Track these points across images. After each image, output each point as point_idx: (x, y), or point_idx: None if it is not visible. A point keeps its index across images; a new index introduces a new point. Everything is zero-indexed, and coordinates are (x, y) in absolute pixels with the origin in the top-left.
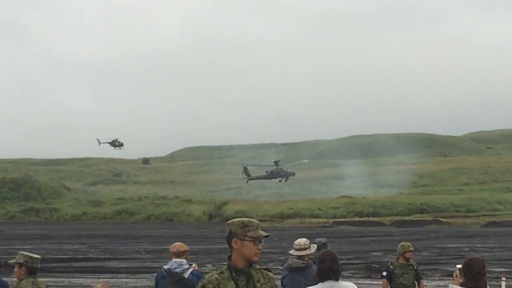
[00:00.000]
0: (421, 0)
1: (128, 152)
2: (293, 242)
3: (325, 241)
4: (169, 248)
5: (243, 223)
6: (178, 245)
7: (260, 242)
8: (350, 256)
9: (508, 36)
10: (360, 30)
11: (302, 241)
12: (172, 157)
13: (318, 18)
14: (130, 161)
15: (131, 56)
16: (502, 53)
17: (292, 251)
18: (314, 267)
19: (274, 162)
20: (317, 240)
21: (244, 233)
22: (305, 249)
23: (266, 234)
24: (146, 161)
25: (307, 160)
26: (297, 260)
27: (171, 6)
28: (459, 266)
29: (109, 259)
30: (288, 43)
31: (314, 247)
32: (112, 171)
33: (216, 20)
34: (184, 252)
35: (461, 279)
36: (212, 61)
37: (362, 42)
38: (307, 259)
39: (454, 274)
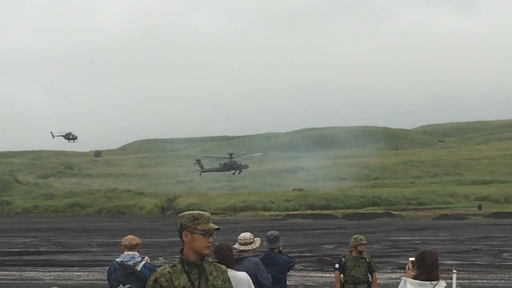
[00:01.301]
0: None
1: (80, 145)
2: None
3: (277, 234)
4: (121, 241)
5: (193, 216)
6: (130, 238)
7: (211, 235)
8: (303, 249)
9: (455, 31)
10: (310, 24)
11: (246, 235)
12: (124, 149)
13: (267, 11)
14: (82, 154)
15: (79, 49)
16: (451, 48)
17: (236, 245)
18: (252, 258)
19: (230, 154)
20: (269, 233)
21: (194, 226)
22: (249, 243)
23: (217, 227)
24: (98, 153)
25: (260, 153)
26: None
27: None
28: (411, 259)
29: (61, 252)
30: (236, 36)
31: (258, 241)
32: (64, 164)
33: (162, 13)
34: (136, 245)
35: (413, 271)
36: (161, 54)
37: (312, 35)
38: (251, 253)
39: (407, 267)
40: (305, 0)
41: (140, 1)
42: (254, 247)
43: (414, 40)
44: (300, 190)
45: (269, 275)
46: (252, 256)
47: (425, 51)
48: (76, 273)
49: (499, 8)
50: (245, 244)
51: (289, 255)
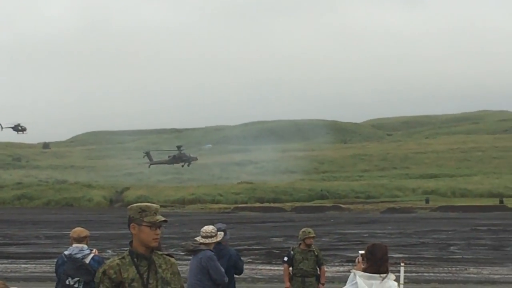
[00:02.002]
0: None
1: (28, 137)
2: (195, 227)
3: (225, 227)
4: (69, 233)
5: (140, 208)
6: (78, 231)
7: (159, 227)
8: (251, 242)
9: (402, 25)
10: (258, 17)
11: (208, 228)
12: (73, 141)
13: (214, 5)
14: (30, 146)
15: (23, 40)
16: (399, 42)
17: (198, 238)
18: (207, 252)
19: (177, 146)
20: (217, 226)
21: (141, 218)
22: (211, 236)
23: (164, 219)
24: (46, 145)
25: (210, 145)
26: (191, 243)
27: None
28: (361, 252)
29: (8, 244)
30: (184, 29)
31: (221, 235)
32: (11, 156)
33: (108, 4)
34: (84, 237)
35: (363, 264)
36: (108, 45)
37: (260, 28)
38: (212, 247)
39: (357, 260)
40: None
41: None
42: (215, 240)
43: (363, 35)
44: (249, 183)
45: (223, 271)
46: (208, 249)
47: (373, 46)
48: (23, 265)
49: (445, 3)
50: (207, 237)
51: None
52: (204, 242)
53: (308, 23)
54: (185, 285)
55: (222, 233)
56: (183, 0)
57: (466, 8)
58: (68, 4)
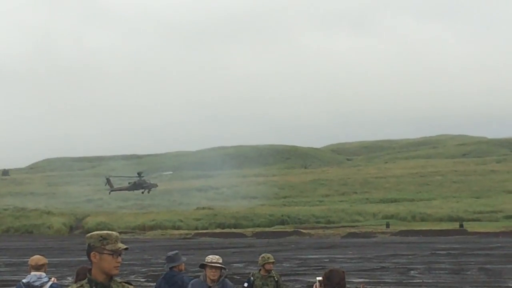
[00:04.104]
0: (271, 13)
1: None
2: (156, 253)
3: (173, 254)
4: (28, 261)
5: (101, 236)
6: (36, 258)
7: (120, 255)
8: None
9: (358, 52)
10: (215, 41)
11: (215, 257)
12: (32, 168)
13: (169, 30)
14: None
15: None
16: (356, 68)
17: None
18: (181, 276)
19: (138, 173)
20: (169, 253)
21: (102, 247)
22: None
23: (126, 247)
24: (5, 172)
25: (170, 172)
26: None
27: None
28: (319, 278)
29: None
30: (140, 54)
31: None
32: None
33: (54, 29)
34: (43, 265)
35: None
36: (62, 71)
37: (217, 53)
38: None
39: (314, 286)
40: (208, 18)
41: (30, 19)
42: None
43: (320, 61)
44: (209, 208)
45: None
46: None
47: (330, 72)
48: None
49: (398, 28)
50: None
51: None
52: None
53: (264, 50)
54: None
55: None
56: (137, 25)
57: (419, 33)
58: (14, 29)
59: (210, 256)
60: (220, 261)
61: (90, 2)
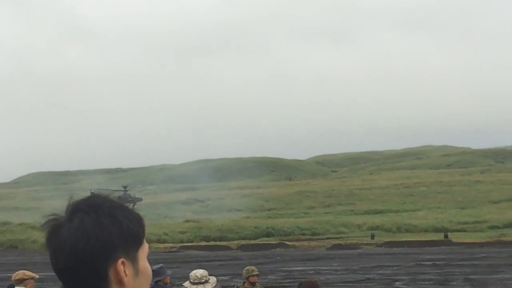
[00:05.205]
0: (254, 26)
1: None
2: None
3: (158, 268)
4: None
5: None
6: (21, 273)
7: None
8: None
9: (340, 64)
10: (195, 57)
11: (199, 273)
12: (17, 183)
13: (150, 46)
14: None
15: None
16: (338, 80)
17: (186, 284)
18: None
19: (123, 187)
20: (155, 267)
21: None
22: (203, 282)
23: None
24: None
25: (154, 186)
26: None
27: None
28: None
29: None
30: (118, 67)
31: (213, 280)
32: None
33: (32, 45)
34: (25, 280)
35: None
36: (43, 86)
37: (198, 68)
38: None
39: None
40: (190, 30)
41: (6, 35)
42: (210, 287)
43: (304, 73)
44: (194, 221)
45: None
46: None
47: (315, 84)
48: None
49: (378, 40)
50: (198, 283)
51: None
52: None
53: (246, 61)
54: None
55: (215, 278)
56: (116, 39)
57: (399, 45)
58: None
59: (194, 272)
60: (206, 274)
61: (67, 17)
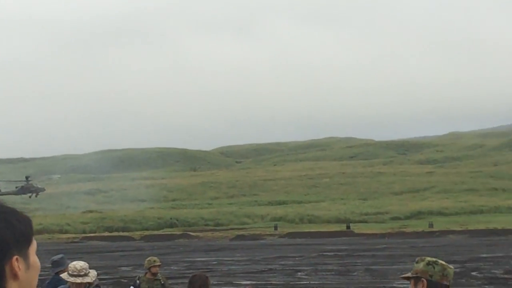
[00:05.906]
0: (158, 16)
1: None
2: (42, 258)
3: (58, 258)
4: None
5: None
6: None
7: None
8: (99, 272)
9: (240, 56)
10: (101, 48)
11: (78, 265)
12: None
13: (58, 39)
14: None
15: None
16: (239, 72)
17: (64, 275)
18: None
19: (26, 177)
20: (55, 257)
21: None
22: (83, 275)
23: None
24: None
25: (59, 176)
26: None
27: None
28: None
29: None
30: (22, 56)
31: (94, 274)
32: None
33: None
34: None
35: None
36: None
37: (103, 58)
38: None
39: None
40: (92, 19)
41: None
42: (88, 281)
43: (207, 64)
44: (97, 212)
45: None
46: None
47: (219, 74)
48: None
49: (281, 31)
50: (77, 275)
51: None
52: (74, 281)
53: (150, 53)
54: None
55: (95, 271)
56: (19, 29)
57: (301, 37)
58: None
59: (73, 263)
60: (86, 267)
61: None
